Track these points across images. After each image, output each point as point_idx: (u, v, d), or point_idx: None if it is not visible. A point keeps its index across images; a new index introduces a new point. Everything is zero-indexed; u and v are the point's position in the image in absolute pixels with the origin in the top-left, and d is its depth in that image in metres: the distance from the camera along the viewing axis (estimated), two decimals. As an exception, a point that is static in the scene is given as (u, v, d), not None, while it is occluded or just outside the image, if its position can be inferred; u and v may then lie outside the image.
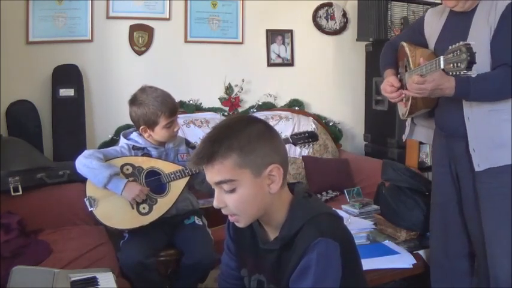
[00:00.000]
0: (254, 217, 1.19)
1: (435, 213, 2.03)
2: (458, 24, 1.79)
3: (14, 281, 1.48)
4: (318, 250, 1.09)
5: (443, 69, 1.55)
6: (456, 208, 1.92)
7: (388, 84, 1.94)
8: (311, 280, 1.09)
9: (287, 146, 2.21)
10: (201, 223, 2.25)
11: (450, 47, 1.49)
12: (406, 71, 1.92)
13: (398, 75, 2.00)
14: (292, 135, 2.32)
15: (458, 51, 1.45)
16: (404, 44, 1.93)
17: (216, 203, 1.16)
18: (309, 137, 2.32)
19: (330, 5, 3.73)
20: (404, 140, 2.29)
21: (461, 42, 1.45)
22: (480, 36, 1.69)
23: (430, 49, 1.91)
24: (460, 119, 1.77)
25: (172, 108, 2.11)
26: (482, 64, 1.64)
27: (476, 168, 1.75)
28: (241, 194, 1.12)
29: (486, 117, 1.72)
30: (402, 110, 2.00)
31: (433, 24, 1.91)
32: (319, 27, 3.72)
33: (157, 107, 2.06)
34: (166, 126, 2.10)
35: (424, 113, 2.00)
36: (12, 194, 2.38)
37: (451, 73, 1.52)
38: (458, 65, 1.45)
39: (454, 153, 1.87)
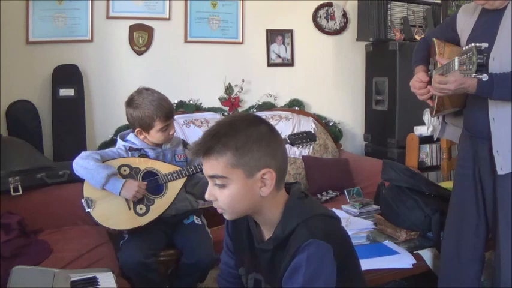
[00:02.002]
0: (241, 214, 1.21)
1: (451, 213, 1.99)
2: (489, 22, 1.76)
3: (14, 281, 1.48)
4: (308, 251, 1.10)
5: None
6: (473, 211, 1.89)
7: (417, 80, 1.91)
8: (301, 281, 1.09)
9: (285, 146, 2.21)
10: (200, 222, 2.25)
11: (464, 48, 1.47)
12: (434, 68, 1.91)
13: (429, 72, 1.96)
14: (290, 136, 2.30)
15: (470, 52, 1.42)
16: (435, 41, 1.90)
17: (207, 195, 1.19)
18: (306, 137, 2.30)
19: (330, 5, 3.73)
20: (435, 139, 2.26)
21: (472, 44, 1.42)
22: (509, 35, 1.66)
23: (462, 46, 1.87)
24: (485, 120, 1.73)
25: (168, 112, 2.10)
26: (510, 63, 1.63)
27: (499, 172, 1.71)
28: (231, 191, 1.14)
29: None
30: (430, 108, 1.97)
31: (465, 21, 1.88)
32: (319, 27, 3.72)
33: (152, 111, 2.06)
34: (161, 130, 2.10)
35: (455, 112, 1.96)
36: (12, 194, 2.37)
37: (463, 75, 1.50)
38: (470, 67, 1.43)
39: (477, 155, 1.84)
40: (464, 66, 1.46)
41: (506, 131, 1.69)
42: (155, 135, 2.11)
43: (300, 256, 1.10)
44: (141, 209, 2.07)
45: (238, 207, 1.17)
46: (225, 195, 1.15)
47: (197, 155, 1.15)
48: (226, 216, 1.22)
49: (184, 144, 2.32)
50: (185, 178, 2.13)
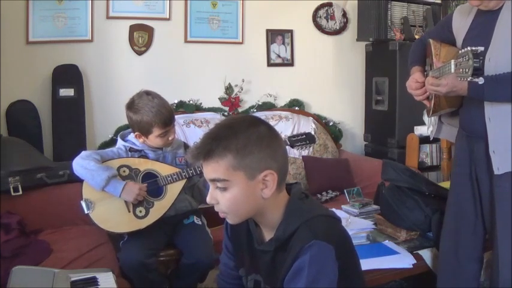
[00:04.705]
0: (244, 217, 1.20)
1: (449, 213, 1.99)
2: (484, 23, 1.76)
3: (14, 281, 1.48)
4: (311, 252, 1.09)
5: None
6: (471, 209, 1.89)
7: (413, 81, 1.92)
8: (304, 282, 1.09)
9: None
10: (200, 222, 2.25)
11: (460, 51, 1.48)
12: (430, 69, 1.91)
13: (425, 73, 1.97)
14: (289, 138, 2.29)
15: (466, 56, 1.44)
16: (431, 41, 1.90)
17: (208, 199, 1.18)
18: (306, 139, 2.29)
19: (330, 5, 3.73)
20: (431, 139, 2.26)
21: (468, 48, 1.44)
22: (504, 36, 1.67)
23: (458, 47, 1.88)
24: (481, 120, 1.74)
25: (167, 119, 2.07)
26: (507, 64, 1.63)
27: (496, 172, 1.71)
28: (233, 194, 1.13)
29: (508, 118, 1.68)
30: (427, 108, 1.98)
31: (460, 22, 1.88)
32: (319, 27, 3.72)
33: (151, 118, 2.04)
34: (160, 136, 2.08)
35: (451, 111, 1.96)
36: (12, 194, 2.37)
37: (460, 78, 1.51)
38: (466, 70, 1.44)
39: (474, 155, 1.84)
40: (461, 70, 1.47)
41: (502, 131, 1.70)
42: (154, 140, 2.10)
43: (303, 257, 1.10)
44: (140, 211, 2.06)
45: (241, 210, 1.16)
46: (227, 198, 1.14)
47: (197, 158, 1.14)
48: (229, 220, 1.20)
49: (186, 146, 2.30)
50: (185, 180, 2.12)
